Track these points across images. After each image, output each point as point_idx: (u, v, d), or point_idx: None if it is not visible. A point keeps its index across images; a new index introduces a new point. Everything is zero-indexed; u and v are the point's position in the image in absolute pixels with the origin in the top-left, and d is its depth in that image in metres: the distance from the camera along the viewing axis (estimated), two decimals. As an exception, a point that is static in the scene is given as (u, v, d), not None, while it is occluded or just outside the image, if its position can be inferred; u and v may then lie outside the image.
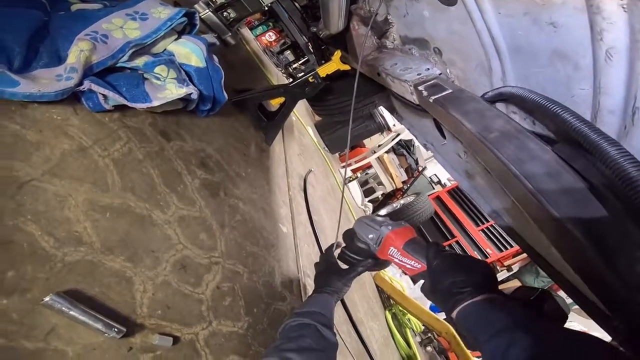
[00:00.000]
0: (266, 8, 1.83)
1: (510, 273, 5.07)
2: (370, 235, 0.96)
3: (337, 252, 1.13)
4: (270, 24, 3.16)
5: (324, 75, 1.69)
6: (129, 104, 0.98)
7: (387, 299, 2.92)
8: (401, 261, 0.89)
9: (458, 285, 0.70)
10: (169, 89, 1.08)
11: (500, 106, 0.78)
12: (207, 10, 1.67)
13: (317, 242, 2.04)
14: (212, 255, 1.07)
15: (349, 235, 1.06)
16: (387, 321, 2.71)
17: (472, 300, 0.66)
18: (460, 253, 0.88)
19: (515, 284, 4.71)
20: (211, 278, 1.02)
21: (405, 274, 3.54)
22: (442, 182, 6.73)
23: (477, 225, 5.18)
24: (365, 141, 5.48)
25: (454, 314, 0.69)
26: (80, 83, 0.87)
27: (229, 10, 1.75)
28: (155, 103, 1.03)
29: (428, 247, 0.84)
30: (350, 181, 4.73)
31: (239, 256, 1.20)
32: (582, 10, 0.50)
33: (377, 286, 2.96)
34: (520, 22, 0.63)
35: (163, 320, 0.81)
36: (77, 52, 0.88)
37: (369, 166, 5.31)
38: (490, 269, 0.75)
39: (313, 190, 2.47)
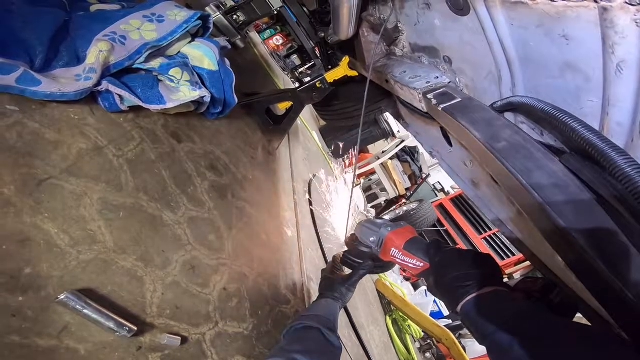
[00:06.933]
0: (275, 12, 1.86)
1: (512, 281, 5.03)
2: (372, 238, 0.97)
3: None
4: (278, 27, 3.19)
5: (331, 81, 1.70)
6: (143, 105, 0.99)
7: (387, 304, 2.91)
8: (403, 261, 0.89)
9: (461, 279, 0.70)
10: (182, 92, 1.10)
11: (509, 116, 0.79)
12: (218, 13, 1.70)
13: (320, 247, 2.05)
14: (219, 257, 1.08)
15: (352, 240, 1.07)
16: (387, 327, 2.70)
17: (476, 294, 0.66)
18: (462, 248, 0.88)
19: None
20: (219, 279, 1.02)
21: (407, 279, 3.52)
22: (446, 190, 6.70)
23: (480, 233, 5.15)
24: (370, 147, 5.48)
25: (458, 308, 0.69)
26: (98, 83, 0.89)
27: (238, 14, 1.78)
28: (169, 105, 1.04)
29: (429, 245, 0.85)
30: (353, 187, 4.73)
31: (246, 258, 1.21)
32: (596, 24, 0.51)
33: (378, 292, 2.95)
34: (532, 33, 0.64)
35: (172, 320, 0.82)
36: (96, 53, 0.90)
37: (373, 172, 5.31)
38: (493, 262, 0.74)
39: (317, 195, 2.48)
